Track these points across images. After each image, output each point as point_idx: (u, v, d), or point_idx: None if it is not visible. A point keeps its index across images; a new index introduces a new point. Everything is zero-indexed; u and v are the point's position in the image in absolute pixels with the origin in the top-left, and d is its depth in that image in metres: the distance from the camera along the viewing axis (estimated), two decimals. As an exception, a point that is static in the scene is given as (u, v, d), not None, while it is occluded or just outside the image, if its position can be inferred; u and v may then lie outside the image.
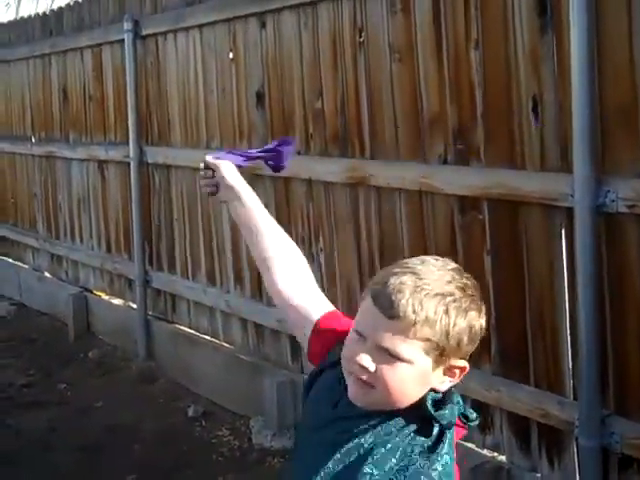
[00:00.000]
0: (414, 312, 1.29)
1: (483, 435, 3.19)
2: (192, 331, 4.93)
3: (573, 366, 2.84)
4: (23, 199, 6.96)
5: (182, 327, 5.03)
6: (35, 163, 6.64)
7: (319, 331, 1.57)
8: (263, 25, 4.07)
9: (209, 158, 1.79)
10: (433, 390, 1.36)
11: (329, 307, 1.61)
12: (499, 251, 3.05)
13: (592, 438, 2.72)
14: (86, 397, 4.86)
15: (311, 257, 3.87)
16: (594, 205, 2.64)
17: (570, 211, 2.74)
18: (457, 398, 1.38)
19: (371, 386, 1.33)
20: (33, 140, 6.64)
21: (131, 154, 5.14)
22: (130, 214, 5.28)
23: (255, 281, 4.31)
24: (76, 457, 4.12)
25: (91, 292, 6.03)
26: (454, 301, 1.32)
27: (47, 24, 6.30)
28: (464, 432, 1.42)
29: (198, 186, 4.64)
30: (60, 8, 6.21)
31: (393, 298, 1.30)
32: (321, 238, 3.84)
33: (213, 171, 1.77)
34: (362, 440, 1.34)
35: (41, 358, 5.58)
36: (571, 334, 2.84)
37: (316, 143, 3.82)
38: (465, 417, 1.39)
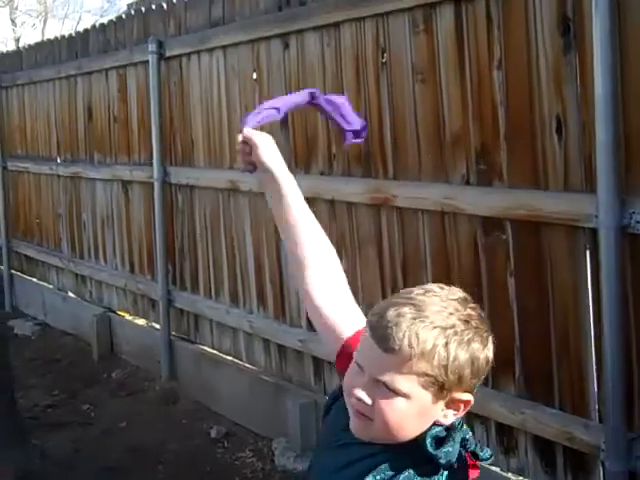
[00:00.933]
0: (410, 346, 1.25)
1: (507, 458, 3.15)
2: (215, 352, 4.93)
3: (599, 388, 2.81)
4: (48, 219, 7.02)
5: (205, 347, 5.03)
6: (60, 183, 6.69)
7: (346, 348, 1.51)
8: (286, 46, 4.09)
9: (247, 131, 1.58)
10: (437, 424, 1.31)
11: (360, 323, 1.52)
12: (523, 272, 3.02)
13: (619, 462, 2.67)
14: (110, 418, 4.87)
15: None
16: (619, 226, 2.62)
17: (594, 232, 2.72)
18: (464, 435, 1.33)
19: (370, 419, 1.30)
20: (58, 160, 6.70)
21: (155, 175, 5.17)
22: (153, 234, 5.31)
23: (278, 302, 4.31)
24: (100, 478, 4.12)
25: (115, 312, 6.05)
26: (455, 334, 1.26)
27: (73, 46, 6.37)
28: (476, 474, 1.35)
29: (221, 206, 4.67)
30: (86, 30, 6.29)
31: (389, 331, 1.26)
32: (344, 258, 3.83)
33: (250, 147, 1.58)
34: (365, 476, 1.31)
35: (65, 378, 5.60)
36: (596, 356, 2.81)
37: (339, 163, 3.82)
38: (475, 455, 1.34)
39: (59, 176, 6.68)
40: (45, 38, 7.84)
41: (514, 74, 2.98)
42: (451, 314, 1.28)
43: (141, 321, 5.80)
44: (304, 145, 4.02)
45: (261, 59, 4.29)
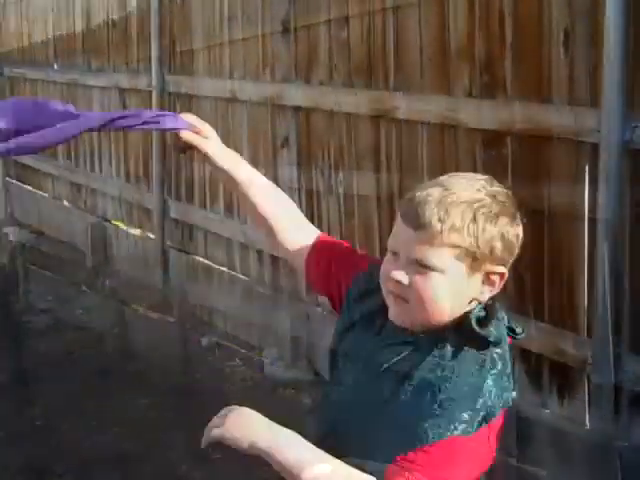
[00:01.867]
0: (440, 220, 1.28)
1: (495, 371, 3.18)
2: (209, 262, 4.94)
3: (589, 304, 2.82)
4: (45, 127, 6.93)
5: (199, 258, 5.04)
6: (57, 90, 6.60)
7: (316, 251, 1.59)
8: (290, -48, 3.99)
9: (188, 135, 1.61)
10: (475, 300, 1.34)
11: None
12: (521, 187, 3.00)
13: (604, 376, 2.71)
14: (103, 323, 4.91)
15: (330, 189, 3.84)
16: (621, 141, 2.59)
17: (596, 147, 2.69)
18: (502, 313, 1.37)
19: (406, 301, 1.32)
20: (55, 67, 6.60)
21: (153, 83, 5.10)
22: (150, 144, 5.26)
23: (273, 213, 4.29)
24: (91, 381, 4.18)
25: (110, 222, 6.05)
26: (482, 207, 1.30)
27: (72, -51, 6.22)
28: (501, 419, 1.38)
29: (219, 116, 4.62)
30: None
31: (419, 210, 1.30)
32: (341, 170, 3.81)
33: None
34: (424, 373, 1.32)
35: (59, 285, 5.63)
36: (588, 272, 2.81)
37: (340, 74, 3.76)
38: (512, 331, 1.38)
39: (55, 83, 6.59)
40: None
41: (523, -17, 2.91)
42: (478, 190, 1.32)
43: (136, 231, 5.80)
44: (305, 54, 3.95)
45: (265, -35, 4.19)
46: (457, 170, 3.11)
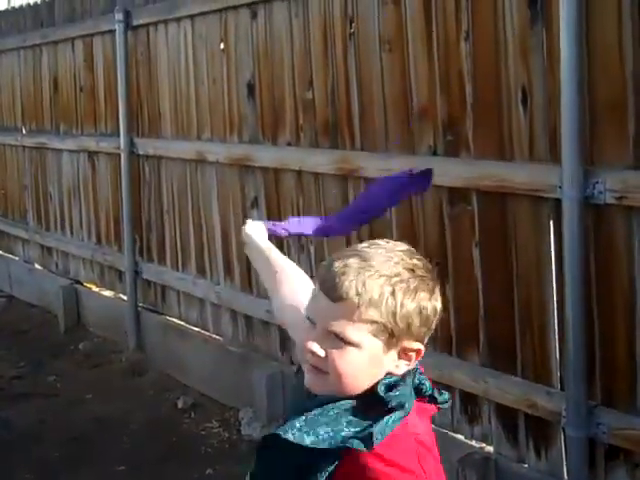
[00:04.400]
0: (357, 294, 1.27)
1: (471, 426, 3.19)
2: (182, 323, 4.92)
3: (560, 357, 2.85)
4: (13, 190, 6.93)
5: (172, 319, 5.02)
6: (25, 154, 6.61)
7: None
8: (254, 15, 4.06)
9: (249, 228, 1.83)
10: (389, 374, 1.33)
11: None
12: (488, 243, 3.05)
13: (579, 429, 2.73)
14: (76, 389, 4.85)
15: (301, 248, 3.87)
16: (582, 197, 2.65)
17: (558, 202, 2.74)
18: (420, 381, 1.35)
19: (324, 372, 1.32)
20: (23, 131, 6.62)
21: (122, 145, 5.12)
22: (120, 205, 5.27)
23: (245, 273, 4.31)
24: (66, 449, 4.12)
25: (81, 284, 6.02)
26: (401, 282, 1.29)
27: (38, 14, 6.27)
28: (434, 410, 1.38)
29: (189, 177, 4.64)
30: (51, -2, 6.19)
31: (337, 280, 1.29)
32: (311, 229, 3.83)
33: None
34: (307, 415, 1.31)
35: (31, 350, 5.57)
36: (559, 325, 2.85)
37: (306, 134, 3.81)
38: (433, 399, 1.37)
39: (24, 147, 6.59)
40: (10, 6, 7.69)
41: (481, 45, 2.99)
42: (397, 263, 1.31)
43: (108, 292, 5.77)
44: (271, 115, 4.00)
45: (229, 29, 4.25)
46: (425, 227, 3.20)
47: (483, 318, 3.08)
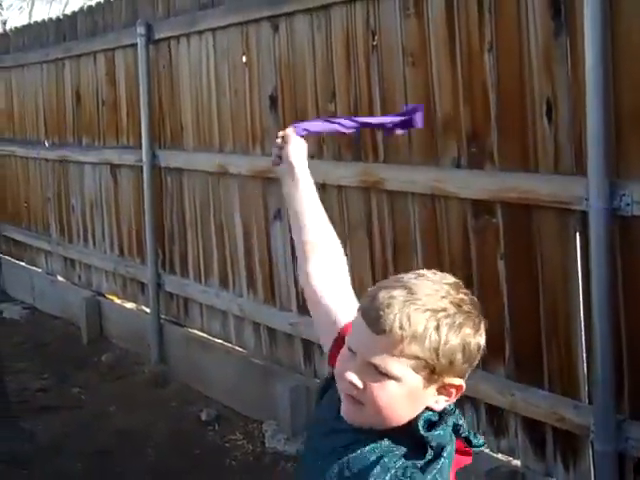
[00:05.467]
0: (401, 328, 1.25)
1: (497, 439, 3.17)
2: (205, 335, 4.93)
3: (588, 370, 2.82)
4: (36, 203, 6.98)
5: (195, 331, 5.03)
6: (48, 167, 6.65)
7: (340, 338, 1.51)
8: (276, 28, 4.07)
9: (289, 130, 1.72)
10: (429, 409, 1.31)
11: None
12: (513, 255, 3.03)
13: (608, 443, 2.70)
14: (99, 401, 4.87)
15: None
16: (609, 208, 2.63)
17: (584, 215, 2.72)
18: (456, 420, 1.33)
19: (361, 403, 1.30)
20: (46, 144, 6.66)
21: (144, 158, 5.15)
22: (143, 218, 5.29)
23: (268, 285, 4.31)
24: (89, 461, 4.13)
25: (104, 296, 6.04)
26: (446, 317, 1.26)
27: (61, 28, 6.32)
28: (468, 461, 1.35)
29: (211, 190, 4.65)
30: (74, 13, 6.24)
31: (381, 313, 1.26)
32: (334, 242, 3.82)
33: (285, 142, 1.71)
34: (349, 459, 1.30)
35: (55, 362, 5.59)
36: (586, 338, 2.82)
37: (329, 147, 3.81)
38: (468, 441, 1.34)
39: (47, 160, 6.64)
40: (32, 21, 7.77)
41: (505, 57, 2.98)
42: (443, 297, 1.28)
43: (130, 305, 5.79)
44: (294, 128, 4.00)
45: (250, 42, 4.27)
46: (449, 240, 3.18)
47: (509, 330, 3.06)
